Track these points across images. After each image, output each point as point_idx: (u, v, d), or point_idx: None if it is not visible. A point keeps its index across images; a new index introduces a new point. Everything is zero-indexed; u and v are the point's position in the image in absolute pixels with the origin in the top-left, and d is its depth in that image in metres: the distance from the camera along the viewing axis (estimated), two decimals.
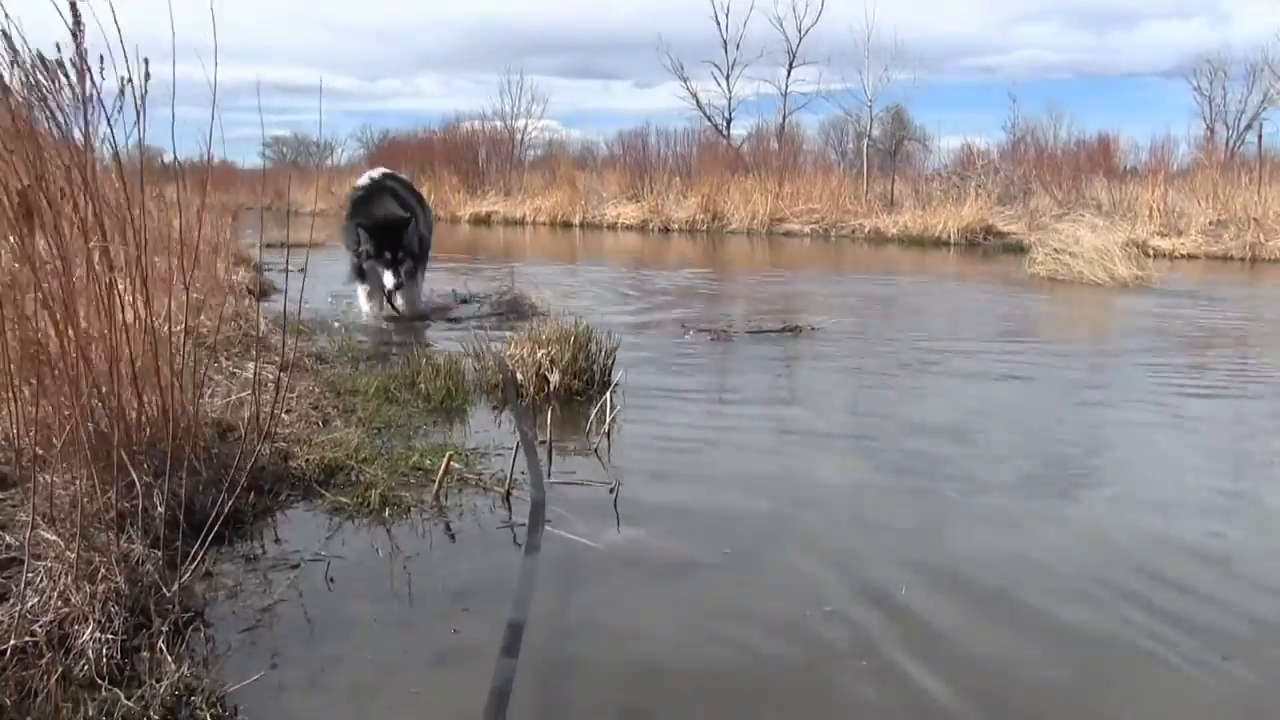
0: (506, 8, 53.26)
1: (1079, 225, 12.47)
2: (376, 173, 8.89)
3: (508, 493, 3.65)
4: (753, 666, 2.52)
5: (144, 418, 2.97)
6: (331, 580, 2.90)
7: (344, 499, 3.48)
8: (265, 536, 3.21)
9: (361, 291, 8.09)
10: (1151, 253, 13.36)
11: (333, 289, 8.75)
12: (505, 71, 41.07)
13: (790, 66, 27.99)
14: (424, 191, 10.77)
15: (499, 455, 4.07)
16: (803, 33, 27.68)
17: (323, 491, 3.54)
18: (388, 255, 7.62)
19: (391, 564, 3.06)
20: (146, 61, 2.82)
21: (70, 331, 2.63)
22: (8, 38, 2.80)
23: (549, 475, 3.87)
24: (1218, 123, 30.22)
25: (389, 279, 7.67)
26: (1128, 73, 52.24)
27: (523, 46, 57.07)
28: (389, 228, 7.67)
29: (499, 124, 30.06)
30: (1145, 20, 55.83)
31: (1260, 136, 24.68)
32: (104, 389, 2.77)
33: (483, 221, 25.29)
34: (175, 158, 3.37)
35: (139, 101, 2.88)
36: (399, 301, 7.95)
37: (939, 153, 26.08)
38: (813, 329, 7.67)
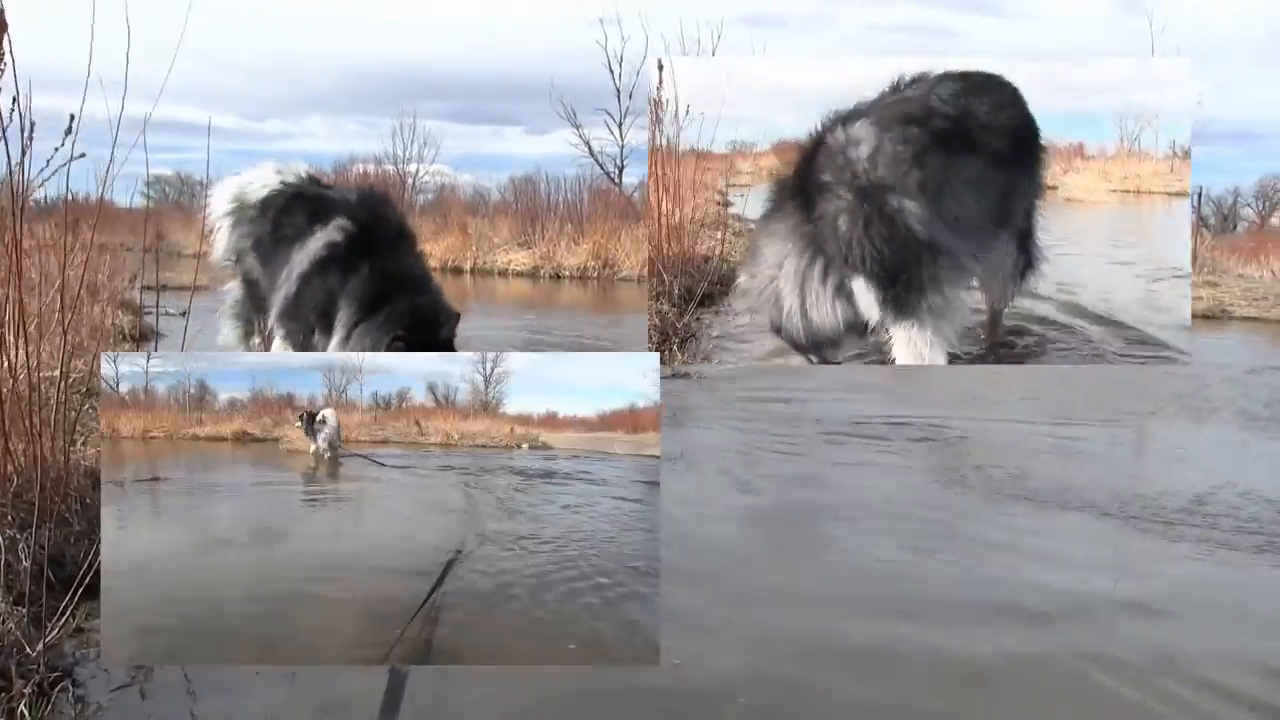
0: (397, 49, 52.76)
1: None
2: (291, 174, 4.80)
3: None
4: None
5: (10, 467, 2.84)
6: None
7: None
8: None
9: None
10: None
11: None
12: (397, 115, 40.63)
13: None
14: None
15: None
16: None
17: None
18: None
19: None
20: (73, 117, 2.75)
21: None
22: None
23: None
24: None
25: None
26: None
27: (414, 89, 56.86)
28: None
29: (390, 168, 29.84)
30: None
31: None
32: None
33: None
34: (68, 196, 3.26)
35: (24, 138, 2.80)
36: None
37: None
38: (702, 377, 7.72)
